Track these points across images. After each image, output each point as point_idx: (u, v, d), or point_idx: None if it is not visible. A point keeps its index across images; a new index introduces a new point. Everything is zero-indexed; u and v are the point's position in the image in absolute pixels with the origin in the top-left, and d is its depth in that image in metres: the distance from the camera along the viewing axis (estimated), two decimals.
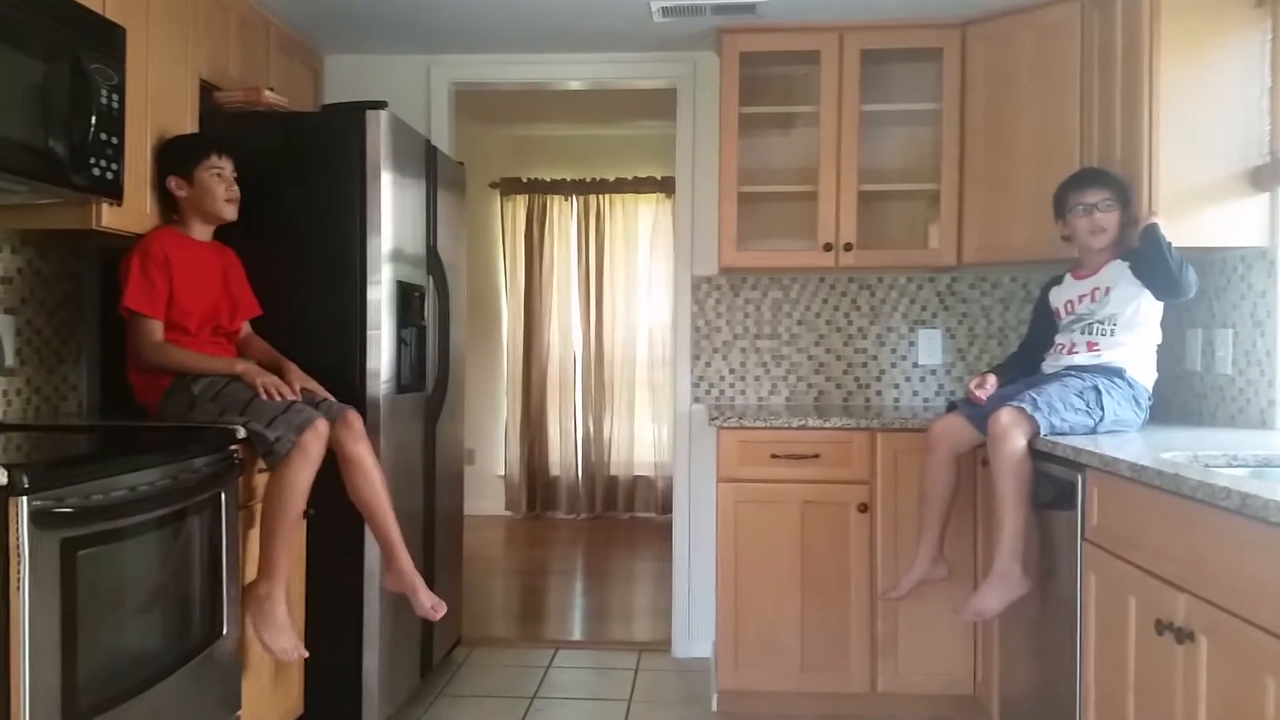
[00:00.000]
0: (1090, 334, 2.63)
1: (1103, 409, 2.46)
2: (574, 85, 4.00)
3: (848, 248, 3.33)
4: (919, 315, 3.70)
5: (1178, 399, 2.97)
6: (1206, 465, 1.98)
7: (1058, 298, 2.78)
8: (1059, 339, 2.73)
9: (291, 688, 2.72)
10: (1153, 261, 2.50)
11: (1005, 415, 2.45)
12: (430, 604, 2.63)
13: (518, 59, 3.81)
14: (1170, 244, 2.48)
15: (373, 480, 2.57)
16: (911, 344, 3.70)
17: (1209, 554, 1.68)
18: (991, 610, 2.55)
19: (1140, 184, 2.63)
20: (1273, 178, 2.56)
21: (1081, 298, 2.68)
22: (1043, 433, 2.40)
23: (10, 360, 2.53)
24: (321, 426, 2.43)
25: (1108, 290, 2.61)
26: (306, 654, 2.56)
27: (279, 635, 2.44)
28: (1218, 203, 2.62)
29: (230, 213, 2.64)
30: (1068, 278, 2.77)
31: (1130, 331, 2.58)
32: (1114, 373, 2.54)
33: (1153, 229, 2.50)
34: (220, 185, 2.60)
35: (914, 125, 3.53)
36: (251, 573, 2.47)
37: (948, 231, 3.32)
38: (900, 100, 3.48)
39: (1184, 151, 2.61)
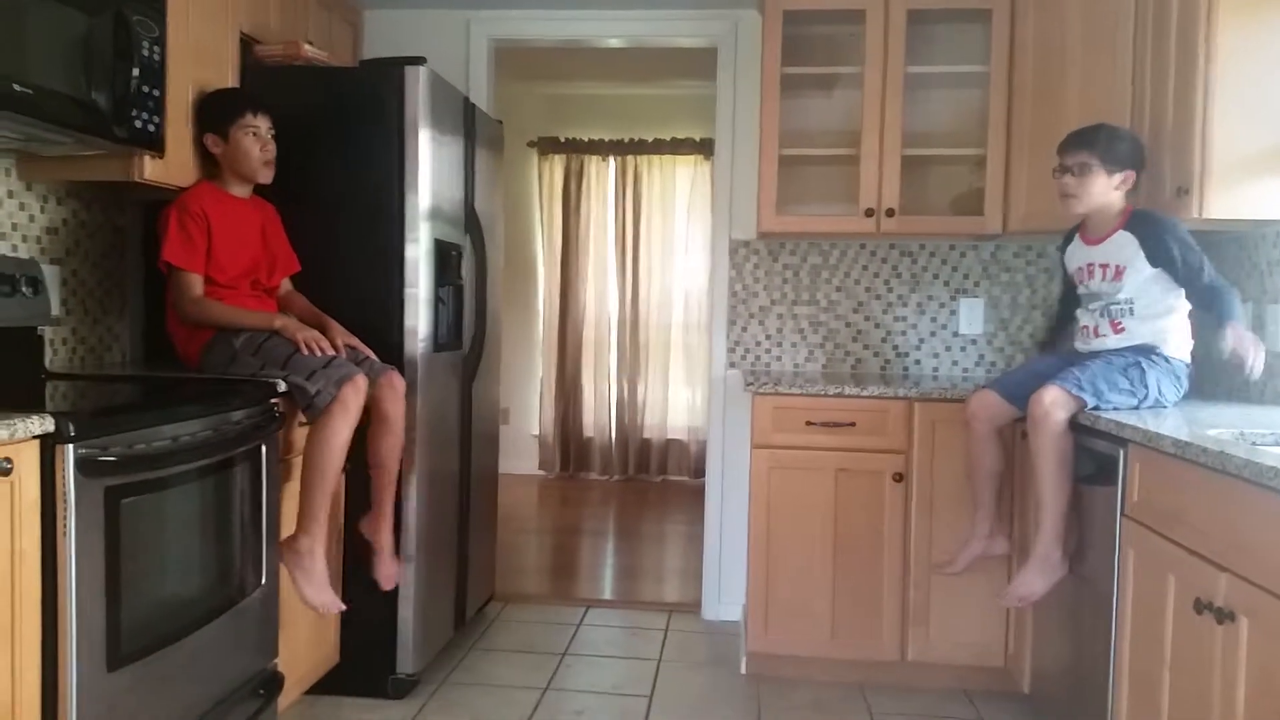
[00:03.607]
0: (1111, 315, 2.54)
1: (1146, 387, 2.41)
2: (614, 43, 3.96)
3: (890, 213, 3.28)
4: (961, 283, 3.64)
5: (1225, 375, 2.90)
6: (1253, 443, 1.94)
7: (1071, 260, 2.69)
8: (1083, 320, 2.64)
9: (327, 638, 2.78)
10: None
11: (1048, 395, 2.39)
12: (389, 572, 2.68)
13: (558, 15, 3.76)
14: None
15: (396, 443, 2.62)
16: (952, 313, 3.65)
17: (1253, 533, 1.64)
18: (1035, 595, 2.51)
19: (1191, 152, 2.54)
20: None
21: (1092, 268, 2.57)
22: (1088, 409, 2.36)
23: (56, 310, 2.57)
24: (361, 382, 2.45)
25: (1119, 272, 2.49)
26: (344, 607, 2.60)
27: (319, 591, 2.49)
28: (1272, 173, 2.53)
29: (265, 176, 2.64)
30: (1076, 238, 2.67)
31: (1153, 307, 2.48)
32: (1150, 350, 2.47)
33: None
34: (255, 145, 2.59)
35: (960, 88, 3.45)
36: (289, 525, 2.51)
37: (993, 198, 3.25)
38: (946, 62, 3.40)
39: (1238, 119, 2.51)
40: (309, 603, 2.50)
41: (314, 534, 2.46)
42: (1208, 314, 2.41)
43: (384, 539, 2.66)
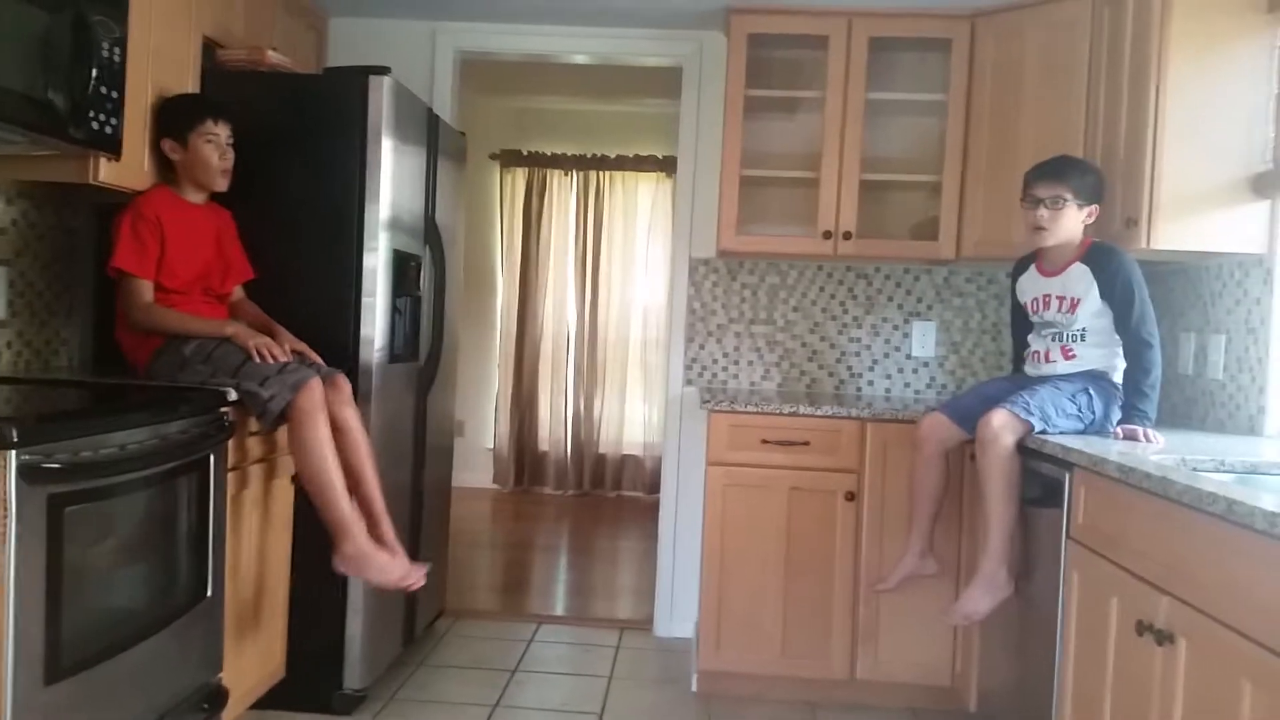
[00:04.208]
0: (1062, 340, 2.59)
1: (1094, 412, 2.47)
2: (580, 59, 3.97)
3: (847, 236, 3.32)
4: (914, 307, 3.70)
5: (1167, 402, 2.97)
6: (1194, 469, 1.99)
7: (1024, 291, 2.72)
8: (1034, 345, 2.69)
9: (274, 651, 2.73)
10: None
11: (997, 418, 2.44)
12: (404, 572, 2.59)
13: (524, 29, 3.77)
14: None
15: (358, 446, 2.57)
16: (906, 335, 3.70)
17: (1193, 558, 1.69)
18: (980, 614, 2.55)
19: (1141, 184, 2.62)
20: (1274, 185, 2.56)
21: (1048, 299, 2.61)
22: (1035, 433, 2.40)
23: (2, 312, 2.51)
24: (316, 386, 2.43)
25: (1075, 304, 2.54)
26: (425, 569, 2.58)
27: (389, 573, 2.49)
28: (1218, 207, 2.61)
29: (221, 184, 2.61)
30: (1032, 269, 2.70)
31: (1103, 334, 2.54)
32: (1099, 376, 2.53)
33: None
34: (214, 153, 2.56)
35: (918, 116, 3.52)
36: (243, 535, 2.47)
37: (948, 224, 3.31)
38: (906, 90, 3.46)
39: (1187, 153, 2.60)
40: (392, 588, 2.51)
41: (352, 534, 2.44)
42: (1130, 365, 2.48)
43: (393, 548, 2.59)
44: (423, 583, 2.58)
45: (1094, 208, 2.56)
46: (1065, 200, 2.52)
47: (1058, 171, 2.56)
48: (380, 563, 2.48)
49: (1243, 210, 2.60)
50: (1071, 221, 2.54)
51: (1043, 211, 2.54)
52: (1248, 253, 2.64)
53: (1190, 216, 2.62)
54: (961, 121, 3.29)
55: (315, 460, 2.42)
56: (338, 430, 2.54)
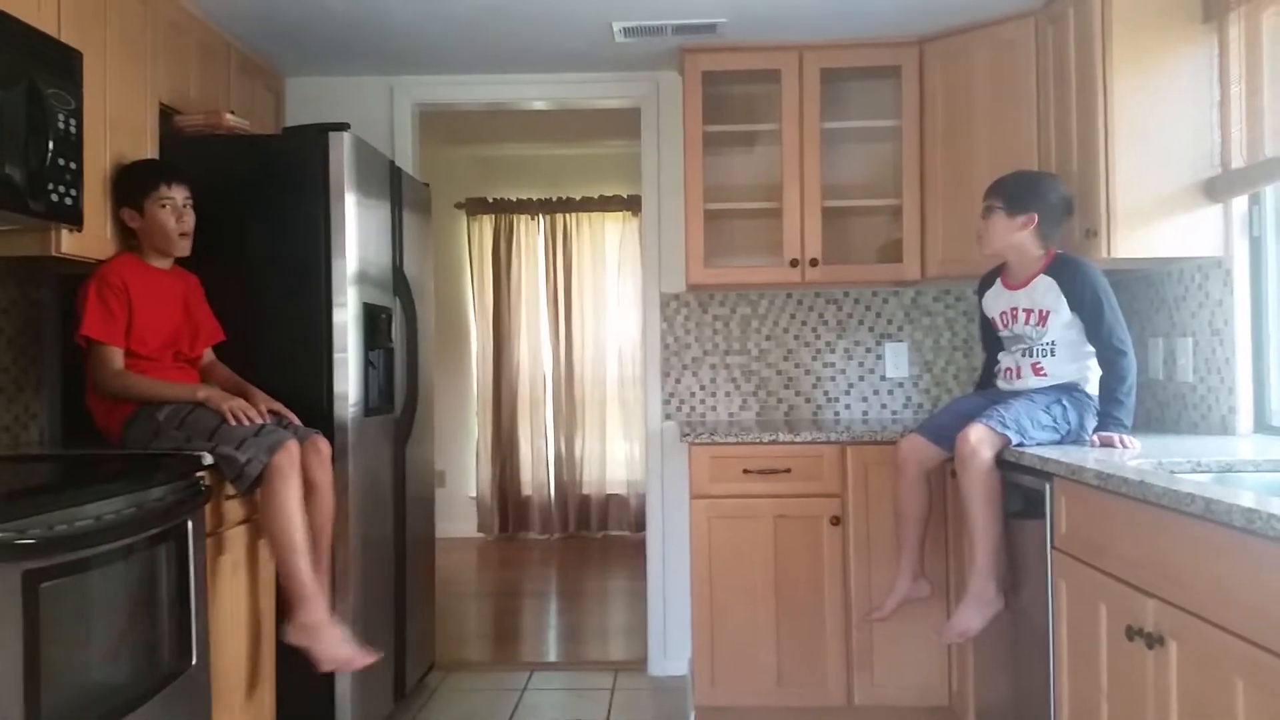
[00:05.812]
0: (1031, 355, 2.60)
1: (1069, 423, 2.48)
2: (538, 106, 4.01)
3: (813, 263, 3.36)
4: (885, 329, 3.73)
5: (1141, 407, 2.99)
6: (1171, 472, 2.01)
7: (991, 305, 2.73)
8: (1004, 361, 2.70)
9: (264, 715, 2.68)
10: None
11: (974, 433, 2.45)
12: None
13: (481, 80, 3.81)
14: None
15: (325, 511, 2.56)
16: (879, 357, 3.73)
17: (1176, 559, 1.70)
18: (973, 630, 2.55)
19: (1098, 195, 2.68)
20: (1225, 189, 2.61)
21: (1015, 312, 2.62)
22: (1012, 445, 2.42)
23: None
24: (293, 447, 2.41)
25: (1043, 317, 2.55)
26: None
27: (340, 650, 2.45)
28: (1173, 214, 2.67)
29: (181, 248, 2.60)
30: (998, 283, 2.72)
31: (1071, 348, 2.55)
32: (1072, 388, 2.55)
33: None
34: (170, 218, 2.55)
35: (875, 141, 3.57)
36: (224, 602, 2.43)
37: (911, 246, 3.35)
38: (860, 117, 3.52)
39: (1139, 163, 2.66)
40: (339, 668, 2.47)
41: (311, 605, 2.41)
42: (1105, 373, 2.49)
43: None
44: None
45: (1029, 215, 2.55)
46: (995, 209, 2.59)
47: (994, 183, 2.65)
48: (335, 641, 2.44)
49: (1197, 215, 2.66)
50: (1001, 229, 2.58)
51: (979, 222, 2.64)
52: (1206, 256, 2.69)
53: (1147, 224, 2.67)
54: (916, 145, 3.34)
55: (284, 523, 2.39)
56: (310, 490, 2.52)
